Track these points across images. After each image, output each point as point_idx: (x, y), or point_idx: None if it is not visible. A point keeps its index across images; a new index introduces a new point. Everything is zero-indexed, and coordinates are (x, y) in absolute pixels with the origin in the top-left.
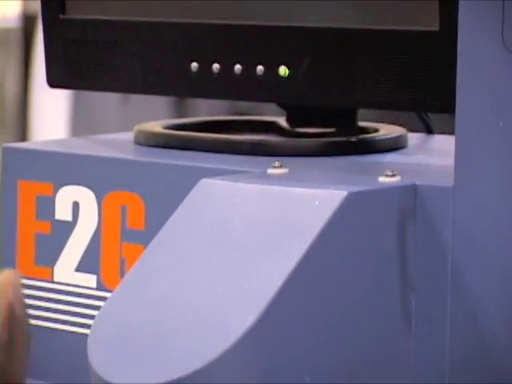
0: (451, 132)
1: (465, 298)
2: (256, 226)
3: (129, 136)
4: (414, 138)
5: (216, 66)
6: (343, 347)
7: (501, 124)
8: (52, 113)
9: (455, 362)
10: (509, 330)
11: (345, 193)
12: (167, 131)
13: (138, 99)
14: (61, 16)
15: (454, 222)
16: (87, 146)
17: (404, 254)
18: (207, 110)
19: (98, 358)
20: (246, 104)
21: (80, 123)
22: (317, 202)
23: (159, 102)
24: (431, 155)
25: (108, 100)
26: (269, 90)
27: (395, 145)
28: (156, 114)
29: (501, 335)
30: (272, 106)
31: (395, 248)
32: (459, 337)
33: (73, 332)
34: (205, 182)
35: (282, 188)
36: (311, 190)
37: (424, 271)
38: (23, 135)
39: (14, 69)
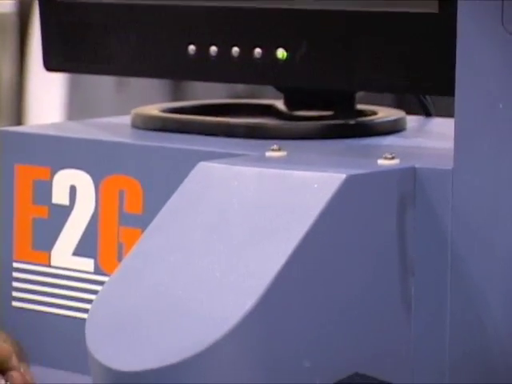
0: (448, 116)
1: (465, 282)
2: (254, 209)
3: (126, 120)
4: (412, 121)
5: (213, 49)
6: (343, 332)
7: (501, 106)
8: (47, 99)
9: (455, 346)
10: (509, 314)
11: (344, 176)
12: (165, 114)
13: (134, 84)
14: None
15: (454, 205)
16: (84, 130)
17: (403, 238)
18: (204, 95)
19: (96, 343)
20: (243, 88)
21: (75, 109)
22: (315, 185)
23: (155, 88)
24: (430, 138)
25: (103, 85)
26: (266, 72)
27: (394, 128)
28: (152, 100)
29: (501, 320)
30: (270, 90)
31: (394, 232)
32: (459, 321)
33: (70, 316)
34: (203, 166)
35: (280, 171)
36: (310, 173)
37: (423, 255)
38: (18, 120)
39: (9, 53)
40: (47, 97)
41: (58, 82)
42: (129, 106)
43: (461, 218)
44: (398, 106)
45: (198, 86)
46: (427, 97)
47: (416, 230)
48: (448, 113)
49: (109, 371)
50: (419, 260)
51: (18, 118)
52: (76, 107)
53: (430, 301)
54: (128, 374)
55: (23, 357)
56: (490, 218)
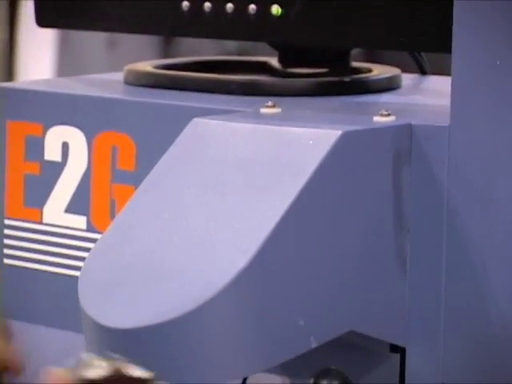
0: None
1: (460, 238)
2: (249, 165)
3: (118, 76)
4: (408, 79)
5: (207, 5)
6: (337, 289)
7: (498, 63)
8: (38, 60)
9: (451, 303)
10: (505, 270)
11: (339, 132)
12: (158, 71)
13: (125, 45)
14: None
15: (450, 161)
16: (76, 86)
17: (399, 195)
18: (196, 54)
19: (90, 301)
20: (235, 46)
21: (66, 69)
22: (311, 142)
23: (146, 49)
24: (426, 95)
25: (94, 45)
26: (261, 29)
27: (389, 85)
28: (143, 60)
29: (497, 276)
30: (260, 49)
31: (390, 189)
32: (455, 278)
33: (62, 274)
34: (197, 122)
35: (275, 127)
36: (305, 130)
37: (419, 212)
38: (9, 79)
39: (0, 12)
40: (38, 58)
41: (48, 43)
42: (119, 66)
43: (457, 175)
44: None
45: (189, 47)
46: (422, 55)
47: (412, 187)
48: (442, 72)
49: (102, 328)
50: (415, 217)
51: (9, 77)
52: (67, 68)
53: (426, 257)
54: (122, 331)
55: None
56: (486, 174)
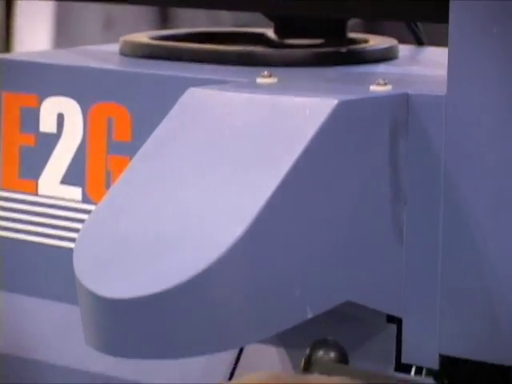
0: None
1: (457, 210)
2: (245, 135)
3: (114, 47)
4: (405, 50)
5: None
6: (333, 259)
7: (495, 31)
8: (34, 38)
9: (447, 273)
10: (502, 239)
11: (335, 101)
12: (154, 41)
13: (121, 24)
14: None
15: (448, 131)
16: (72, 57)
17: (396, 166)
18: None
19: (85, 271)
20: (232, 21)
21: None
22: (307, 111)
23: (141, 29)
24: (423, 66)
25: (91, 26)
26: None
27: (386, 55)
28: None
29: (493, 246)
30: (259, 21)
31: (387, 159)
32: (451, 249)
33: (58, 246)
34: (193, 91)
35: (271, 97)
36: (301, 99)
37: (416, 183)
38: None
39: None
40: (34, 36)
41: (45, 22)
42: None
43: (454, 144)
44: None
45: (185, 26)
46: (419, 26)
47: (409, 158)
48: (439, 44)
49: (98, 299)
50: (411, 187)
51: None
52: (63, 47)
53: (423, 228)
54: (118, 302)
55: None
56: (483, 143)
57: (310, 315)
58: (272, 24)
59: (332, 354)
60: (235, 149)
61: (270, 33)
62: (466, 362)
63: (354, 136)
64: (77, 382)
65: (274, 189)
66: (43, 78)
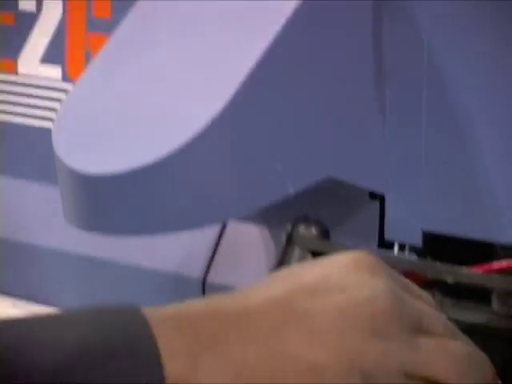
0: None
1: (441, 86)
2: (227, 7)
3: None
4: None
5: None
6: (315, 135)
7: None
8: None
9: (430, 149)
10: (486, 115)
11: None
12: None
13: None
14: None
15: (432, 7)
16: None
17: (379, 42)
18: None
19: (64, 148)
20: None
21: None
22: None
23: None
24: None
25: None
26: None
27: None
28: None
29: (477, 123)
30: None
31: (369, 35)
32: (434, 124)
33: (38, 127)
34: None
35: None
36: None
37: (399, 58)
38: None
39: None
40: None
41: None
42: None
43: (439, 18)
44: None
45: None
46: None
47: (392, 32)
48: None
49: (78, 175)
50: (395, 63)
51: None
52: None
53: (405, 103)
54: (98, 177)
55: None
56: (468, 23)
57: (291, 190)
58: None
59: (313, 230)
60: (217, 19)
61: None
62: (449, 239)
63: (337, 9)
64: (63, 264)
65: (255, 62)
66: None
